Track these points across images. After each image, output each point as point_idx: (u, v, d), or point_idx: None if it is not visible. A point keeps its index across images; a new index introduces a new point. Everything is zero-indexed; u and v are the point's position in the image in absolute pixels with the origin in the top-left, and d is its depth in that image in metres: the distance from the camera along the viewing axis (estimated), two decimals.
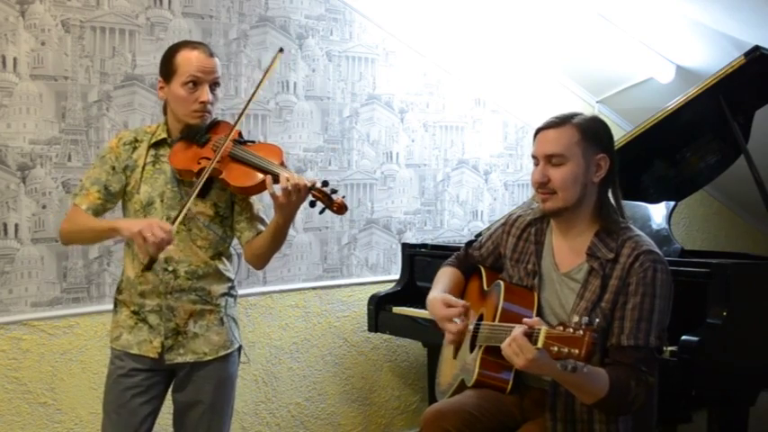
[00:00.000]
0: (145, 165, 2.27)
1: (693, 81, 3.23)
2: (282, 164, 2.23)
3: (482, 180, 4.29)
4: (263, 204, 2.39)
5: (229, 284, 2.36)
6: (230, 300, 2.36)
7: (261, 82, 2.35)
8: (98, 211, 2.26)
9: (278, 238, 2.26)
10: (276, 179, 2.15)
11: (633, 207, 3.07)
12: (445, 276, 2.42)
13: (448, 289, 2.36)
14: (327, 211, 2.20)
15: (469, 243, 2.48)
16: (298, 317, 3.69)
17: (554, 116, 2.11)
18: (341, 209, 2.16)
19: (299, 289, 3.68)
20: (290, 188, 2.11)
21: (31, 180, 3.00)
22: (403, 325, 3.52)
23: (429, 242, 3.83)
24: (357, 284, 3.85)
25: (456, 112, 4.16)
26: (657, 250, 2.04)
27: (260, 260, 2.34)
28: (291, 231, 3.62)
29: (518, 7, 4.05)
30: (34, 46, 3.00)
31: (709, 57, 3.96)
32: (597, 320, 1.70)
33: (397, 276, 3.77)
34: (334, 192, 2.17)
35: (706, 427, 2.59)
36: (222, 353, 2.31)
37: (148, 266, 2.10)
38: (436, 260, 3.20)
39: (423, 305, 3.33)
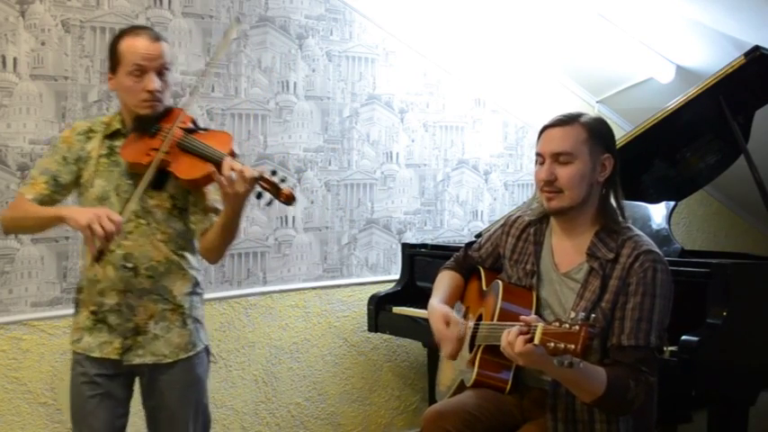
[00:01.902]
0: (99, 157, 2.19)
1: (693, 81, 3.23)
2: (232, 153, 2.13)
3: (482, 180, 4.29)
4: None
5: (193, 282, 2.27)
6: (195, 299, 2.28)
7: (213, 59, 2.26)
8: (44, 202, 2.16)
9: (228, 230, 2.17)
10: (219, 167, 2.06)
11: (633, 207, 3.06)
12: (445, 281, 2.42)
13: (448, 294, 2.36)
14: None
15: (469, 244, 2.48)
16: (298, 317, 3.69)
17: (560, 115, 2.11)
18: (288, 199, 2.06)
19: (299, 289, 3.68)
20: (233, 177, 2.01)
21: None
22: (403, 325, 3.52)
23: (429, 242, 3.82)
24: (357, 284, 3.85)
25: (456, 112, 4.16)
26: (657, 250, 2.04)
27: (212, 254, 2.25)
28: (291, 231, 3.63)
29: (518, 7, 4.05)
30: (34, 46, 3.00)
31: (709, 57, 3.96)
32: (593, 316, 1.70)
33: (397, 276, 3.77)
34: (283, 180, 2.07)
35: (706, 427, 2.59)
36: (183, 355, 2.24)
37: (98, 258, 2.02)
38: (436, 260, 3.20)
39: (423, 305, 3.33)
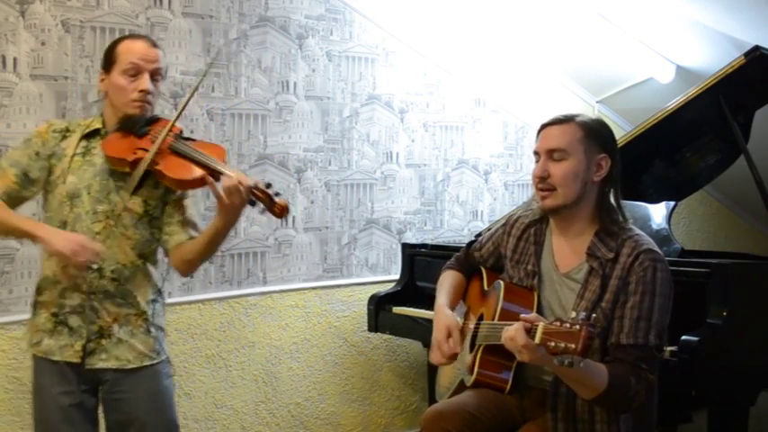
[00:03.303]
0: (74, 155, 2.14)
1: (693, 81, 3.23)
2: (225, 163, 2.11)
3: (482, 180, 4.29)
4: (198, 210, 2.29)
5: (156, 289, 2.23)
6: (158, 307, 2.24)
7: (200, 81, 2.29)
8: (12, 196, 2.12)
9: (215, 243, 2.15)
10: (218, 177, 2.05)
11: (633, 207, 3.07)
12: (449, 280, 2.42)
13: (453, 295, 2.37)
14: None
15: (470, 244, 2.48)
16: (298, 317, 3.69)
17: (558, 114, 2.13)
18: (282, 211, 2.05)
19: (299, 289, 3.68)
20: (233, 188, 2.00)
21: None
22: (403, 325, 3.52)
23: (429, 242, 3.83)
24: (357, 284, 3.85)
25: (456, 112, 4.16)
26: (657, 249, 2.04)
27: (189, 266, 2.22)
28: (291, 231, 3.64)
29: (518, 7, 4.05)
30: (34, 46, 3.00)
31: (709, 57, 3.96)
32: (594, 315, 1.70)
33: (397, 276, 3.77)
34: (278, 194, 2.06)
35: (706, 427, 2.59)
36: (147, 362, 2.18)
37: (73, 284, 2.03)
38: (436, 260, 3.21)
39: (423, 305, 3.37)
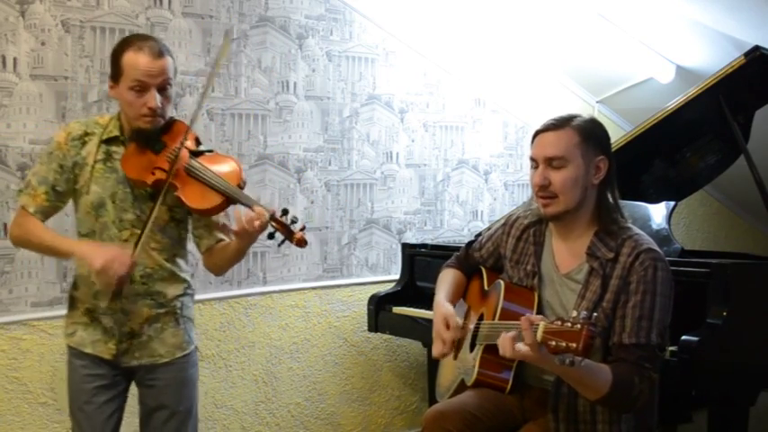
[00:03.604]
0: (95, 162, 2.16)
1: (693, 81, 3.23)
2: (239, 184, 2.15)
3: (482, 180, 4.29)
4: (225, 212, 2.30)
5: (185, 285, 2.29)
6: (186, 299, 2.30)
7: (211, 77, 2.29)
8: (47, 213, 2.19)
9: (239, 257, 2.24)
10: (231, 201, 2.11)
11: (633, 207, 3.06)
12: (448, 278, 2.42)
13: (452, 292, 2.37)
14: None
15: (469, 244, 2.48)
16: (298, 317, 3.69)
17: (552, 119, 2.10)
18: (300, 243, 2.10)
19: (299, 289, 3.68)
20: (251, 221, 2.04)
21: None
22: (403, 325, 3.52)
23: (429, 242, 3.83)
24: (357, 284, 3.85)
25: (456, 112, 4.16)
26: (658, 248, 2.04)
27: (220, 270, 2.32)
28: None
29: (518, 7, 4.05)
30: (34, 46, 3.00)
31: (709, 57, 3.96)
32: (595, 315, 1.70)
33: (397, 276, 3.77)
34: (294, 222, 2.10)
35: (706, 427, 2.59)
36: (179, 354, 2.27)
37: (113, 298, 2.07)
38: (436, 260, 3.20)
39: (423, 305, 3.37)
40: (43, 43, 3.01)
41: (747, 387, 2.59)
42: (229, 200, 2.11)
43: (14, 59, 2.96)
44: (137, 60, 2.08)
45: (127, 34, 3.15)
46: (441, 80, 4.08)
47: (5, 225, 2.96)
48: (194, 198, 2.12)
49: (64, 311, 2.97)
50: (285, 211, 2.10)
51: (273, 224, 2.08)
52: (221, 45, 2.28)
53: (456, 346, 2.26)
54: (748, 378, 2.59)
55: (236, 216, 2.09)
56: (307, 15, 3.64)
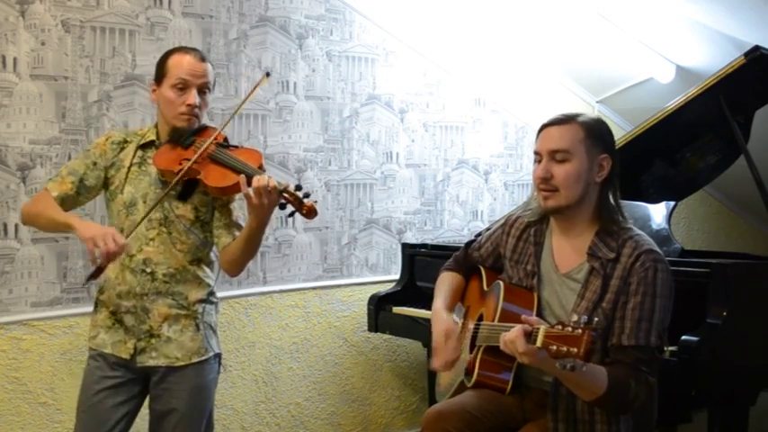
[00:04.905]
0: (131, 165, 2.28)
1: (693, 81, 3.23)
2: (261, 167, 2.21)
3: (482, 180, 4.29)
4: (244, 213, 2.35)
5: (208, 291, 2.34)
6: (208, 307, 2.34)
7: (243, 102, 2.35)
8: (67, 201, 2.24)
9: (252, 243, 2.23)
10: (249, 180, 2.14)
11: (633, 207, 3.06)
12: (446, 282, 2.42)
13: (450, 297, 2.36)
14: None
15: (469, 243, 2.48)
16: (298, 317, 3.69)
17: (559, 114, 2.12)
18: (310, 212, 2.14)
19: (299, 289, 3.68)
20: (260, 189, 2.09)
21: (31, 180, 3.00)
22: (403, 325, 3.52)
23: (429, 242, 3.83)
24: (357, 284, 3.85)
25: (456, 112, 4.16)
26: (658, 250, 2.04)
27: (234, 267, 2.31)
28: (291, 231, 3.63)
29: (518, 7, 4.05)
30: (34, 46, 3.00)
31: (709, 57, 3.96)
32: (596, 319, 1.70)
33: (397, 276, 3.77)
34: (307, 196, 2.15)
35: (706, 427, 2.59)
36: (195, 359, 2.29)
37: (93, 275, 2.08)
38: (436, 260, 3.20)
39: (423, 305, 3.37)
40: (43, 43, 3.02)
41: (747, 387, 2.59)
42: (248, 178, 2.15)
43: (14, 59, 2.96)
44: (182, 60, 2.24)
45: (127, 34, 3.17)
46: (441, 80, 4.08)
47: (5, 225, 2.97)
48: (215, 178, 2.19)
49: (64, 312, 2.99)
50: (299, 187, 2.16)
51: (285, 195, 2.13)
52: (258, 81, 2.40)
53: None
54: (748, 378, 2.59)
55: (246, 193, 2.14)
56: (307, 15, 3.64)
